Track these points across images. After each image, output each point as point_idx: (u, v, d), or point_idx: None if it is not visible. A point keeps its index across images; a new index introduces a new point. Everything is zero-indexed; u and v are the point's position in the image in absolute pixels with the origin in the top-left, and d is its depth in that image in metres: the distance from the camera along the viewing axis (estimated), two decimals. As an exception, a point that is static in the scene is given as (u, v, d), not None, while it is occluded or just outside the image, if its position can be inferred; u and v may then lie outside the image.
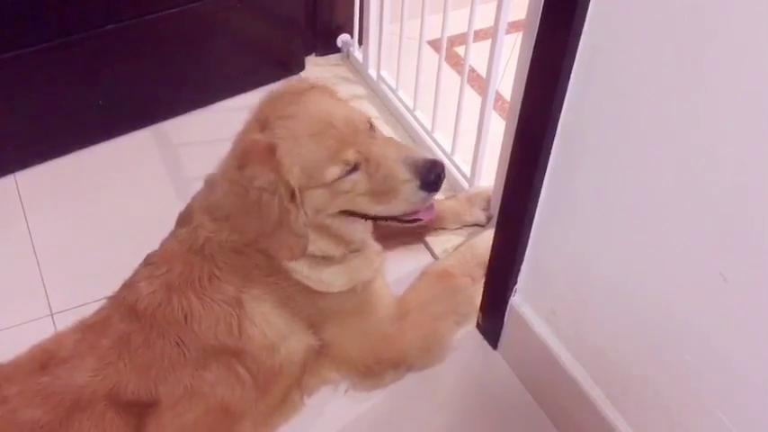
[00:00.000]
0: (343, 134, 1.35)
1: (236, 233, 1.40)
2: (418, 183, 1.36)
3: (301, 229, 1.36)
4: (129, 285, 1.45)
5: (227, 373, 1.40)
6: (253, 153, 1.34)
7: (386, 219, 1.44)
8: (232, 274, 1.41)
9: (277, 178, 1.32)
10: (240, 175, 1.33)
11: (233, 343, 1.40)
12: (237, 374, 1.41)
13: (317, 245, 1.43)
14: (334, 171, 1.34)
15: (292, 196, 1.34)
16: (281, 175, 1.32)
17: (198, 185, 2.00)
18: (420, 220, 1.46)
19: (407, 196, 1.37)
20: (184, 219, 1.52)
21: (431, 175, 1.37)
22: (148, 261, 1.47)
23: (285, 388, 1.50)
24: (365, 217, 1.44)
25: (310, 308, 1.48)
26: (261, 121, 1.39)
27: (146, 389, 1.34)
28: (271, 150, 1.33)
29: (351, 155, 1.34)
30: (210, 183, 1.46)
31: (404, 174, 1.36)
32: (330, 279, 1.48)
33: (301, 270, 1.45)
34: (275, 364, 1.45)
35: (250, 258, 1.42)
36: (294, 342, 1.47)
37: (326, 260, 1.47)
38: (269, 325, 1.43)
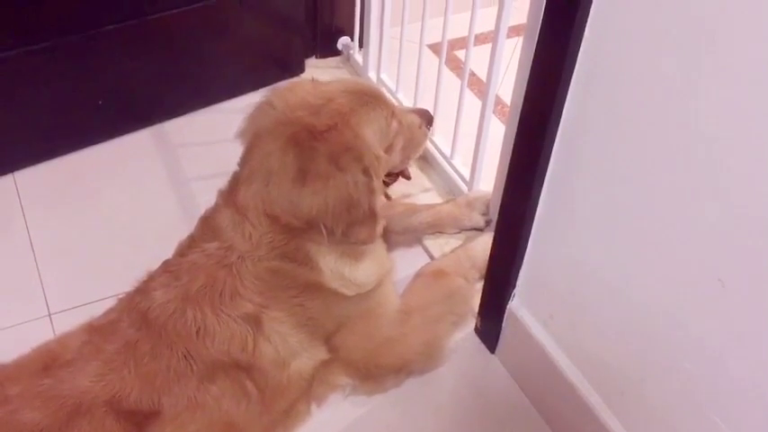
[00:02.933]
0: (376, 96, 1.50)
1: (316, 230, 1.37)
2: (425, 124, 1.68)
3: (378, 210, 1.42)
4: (143, 291, 1.42)
5: (234, 387, 1.37)
6: (339, 138, 1.36)
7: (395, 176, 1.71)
8: (257, 293, 1.39)
9: (368, 154, 1.39)
10: (335, 168, 1.34)
11: (245, 359, 1.37)
12: (245, 389, 1.39)
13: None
14: (395, 126, 1.52)
15: (371, 175, 1.39)
16: (369, 148, 1.40)
17: (197, 186, 2.03)
18: (408, 174, 1.78)
19: (423, 139, 1.68)
20: (212, 225, 1.45)
21: (428, 114, 1.71)
22: (167, 269, 1.43)
23: (291, 401, 1.48)
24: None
25: (330, 323, 1.47)
26: (289, 115, 1.39)
27: (148, 398, 1.31)
28: (351, 128, 1.38)
29: (395, 110, 1.54)
30: (263, 181, 1.38)
31: (417, 120, 1.65)
32: (364, 277, 1.49)
33: (341, 272, 1.45)
34: (283, 379, 1.43)
35: (284, 278, 1.40)
36: (306, 359, 1.46)
37: (359, 257, 1.48)
38: (284, 344, 1.41)
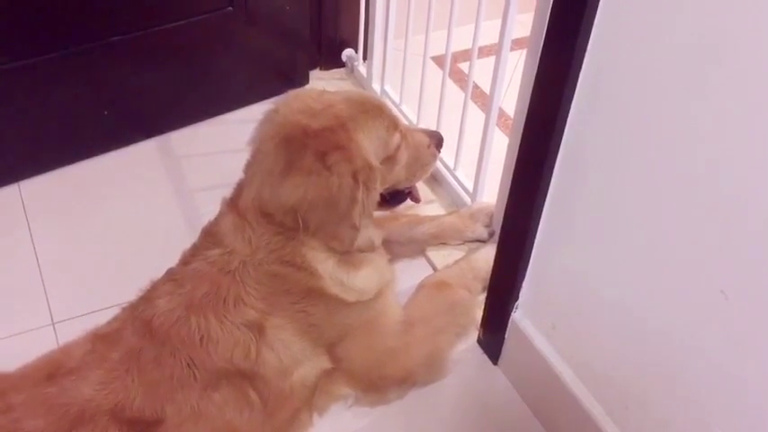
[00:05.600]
0: (379, 107, 1.50)
1: (296, 226, 1.38)
2: (434, 144, 1.66)
3: (359, 221, 1.39)
4: (147, 300, 1.42)
5: (237, 396, 1.38)
6: (332, 137, 1.37)
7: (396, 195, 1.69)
8: (260, 300, 1.39)
9: (360, 160, 1.38)
10: (321, 164, 1.34)
11: (248, 367, 1.38)
12: (247, 397, 1.39)
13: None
14: (396, 138, 1.51)
15: (359, 182, 1.37)
16: (362, 155, 1.39)
17: (201, 196, 2.04)
18: (417, 197, 1.78)
19: (430, 159, 1.66)
20: (214, 232, 1.47)
21: (438, 135, 1.70)
22: (171, 277, 1.44)
23: (294, 411, 1.48)
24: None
25: (331, 330, 1.47)
26: (290, 118, 1.41)
27: (151, 407, 1.31)
28: (346, 131, 1.38)
29: (399, 123, 1.53)
30: (259, 181, 1.40)
31: (426, 139, 1.64)
32: (363, 283, 1.49)
33: (340, 278, 1.45)
34: (286, 388, 1.43)
35: (284, 282, 1.41)
36: (308, 367, 1.46)
37: (357, 264, 1.48)
38: (286, 352, 1.42)
